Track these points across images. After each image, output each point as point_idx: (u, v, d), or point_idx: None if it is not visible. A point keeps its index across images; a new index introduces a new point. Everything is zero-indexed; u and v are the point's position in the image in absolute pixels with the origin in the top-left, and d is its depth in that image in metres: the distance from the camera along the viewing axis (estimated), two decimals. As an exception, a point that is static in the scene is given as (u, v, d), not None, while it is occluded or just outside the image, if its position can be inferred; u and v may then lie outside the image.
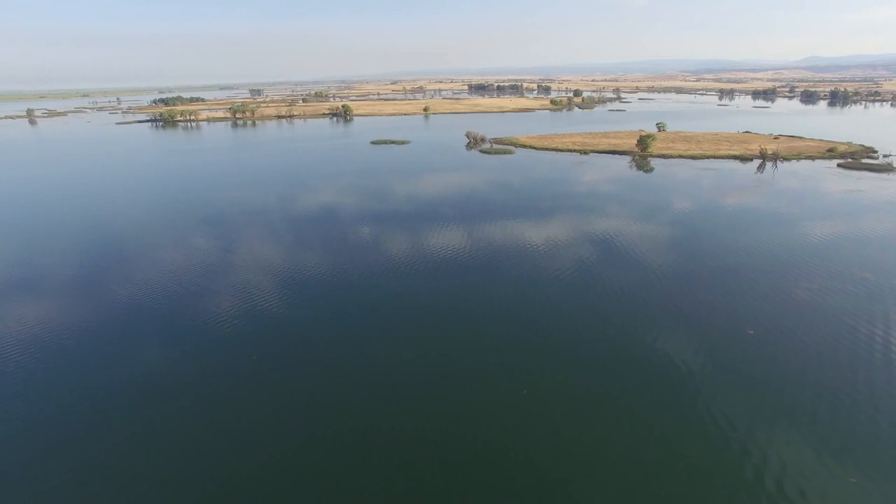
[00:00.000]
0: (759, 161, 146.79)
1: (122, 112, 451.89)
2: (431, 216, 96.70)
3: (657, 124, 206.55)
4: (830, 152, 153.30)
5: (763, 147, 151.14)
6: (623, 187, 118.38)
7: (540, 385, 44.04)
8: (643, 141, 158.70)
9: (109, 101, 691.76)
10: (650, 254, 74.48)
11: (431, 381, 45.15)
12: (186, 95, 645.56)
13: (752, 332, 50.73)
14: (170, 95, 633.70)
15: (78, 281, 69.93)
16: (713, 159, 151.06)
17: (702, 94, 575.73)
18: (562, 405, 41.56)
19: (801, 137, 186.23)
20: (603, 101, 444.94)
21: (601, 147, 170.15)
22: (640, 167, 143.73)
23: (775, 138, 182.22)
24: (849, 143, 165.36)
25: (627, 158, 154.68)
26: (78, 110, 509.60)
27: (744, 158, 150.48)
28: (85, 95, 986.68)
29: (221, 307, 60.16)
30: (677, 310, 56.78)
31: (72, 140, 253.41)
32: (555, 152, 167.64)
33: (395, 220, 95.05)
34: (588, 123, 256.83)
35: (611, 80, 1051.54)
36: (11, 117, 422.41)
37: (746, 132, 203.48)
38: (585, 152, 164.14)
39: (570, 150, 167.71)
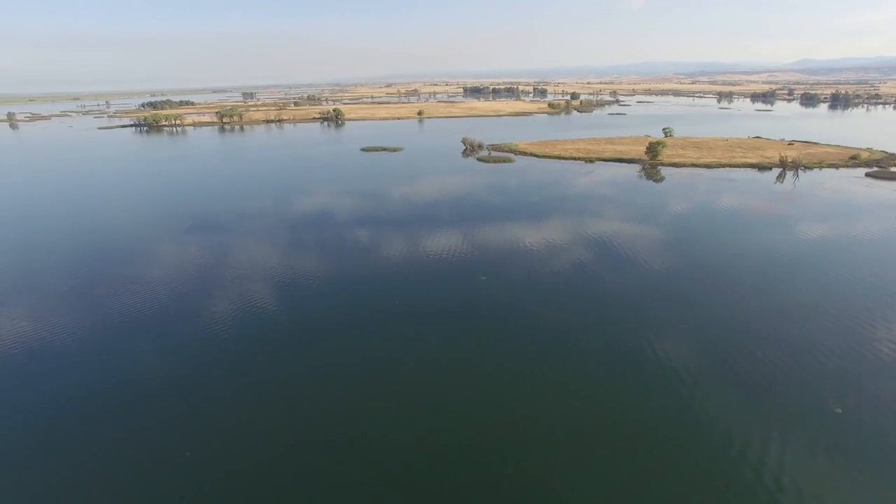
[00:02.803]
0: (779, 170, 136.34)
1: (108, 116, 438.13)
2: (426, 239, 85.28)
3: (664, 129, 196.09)
4: (853, 160, 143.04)
5: (783, 155, 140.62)
6: (640, 202, 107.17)
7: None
8: (653, 148, 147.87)
9: (98, 105, 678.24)
10: (690, 290, 63.32)
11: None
12: (176, 99, 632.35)
13: (839, 410, 39.65)
14: (159, 99, 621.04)
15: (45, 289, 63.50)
16: (728, 168, 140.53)
17: (700, 97, 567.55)
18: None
19: (816, 143, 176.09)
20: (601, 104, 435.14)
21: (607, 154, 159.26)
22: (651, 177, 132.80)
23: (790, 144, 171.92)
24: (870, 150, 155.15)
25: (636, 167, 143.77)
26: (63, 114, 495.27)
27: (762, 167, 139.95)
28: (75, 99, 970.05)
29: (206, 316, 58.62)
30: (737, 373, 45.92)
31: (42, 146, 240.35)
32: (557, 160, 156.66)
33: (383, 246, 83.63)
34: (589, 128, 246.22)
35: (606, 83, 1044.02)
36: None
37: (757, 137, 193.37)
38: (591, 160, 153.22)
39: (574, 158, 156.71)
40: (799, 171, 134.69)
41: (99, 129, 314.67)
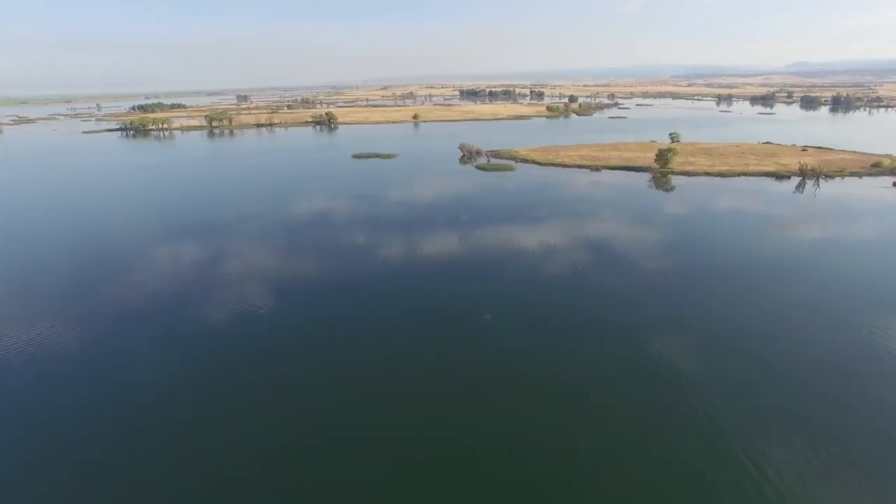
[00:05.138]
0: (797, 178, 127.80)
1: (96, 120, 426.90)
2: (418, 268, 76.07)
3: (671, 135, 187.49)
4: (876, 167, 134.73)
5: (802, 163, 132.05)
6: (656, 216, 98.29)
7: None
8: (663, 156, 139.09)
9: (89, 108, 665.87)
10: (734, 326, 54.30)
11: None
12: (168, 102, 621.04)
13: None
14: (150, 102, 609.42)
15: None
16: (743, 177, 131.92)
17: (698, 100, 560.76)
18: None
19: (830, 149, 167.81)
20: (601, 107, 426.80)
21: (613, 162, 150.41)
22: (663, 187, 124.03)
23: (803, 150, 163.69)
24: (891, 157, 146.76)
25: (646, 176, 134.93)
26: (51, 117, 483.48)
27: (779, 175, 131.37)
28: (67, 101, 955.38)
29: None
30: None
31: (12, 151, 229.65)
32: (561, 168, 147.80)
33: (369, 277, 74.34)
34: (591, 133, 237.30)
35: (603, 85, 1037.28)
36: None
37: (768, 143, 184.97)
38: (597, 168, 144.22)
39: (579, 166, 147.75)
40: (819, 179, 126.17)
41: (83, 134, 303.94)
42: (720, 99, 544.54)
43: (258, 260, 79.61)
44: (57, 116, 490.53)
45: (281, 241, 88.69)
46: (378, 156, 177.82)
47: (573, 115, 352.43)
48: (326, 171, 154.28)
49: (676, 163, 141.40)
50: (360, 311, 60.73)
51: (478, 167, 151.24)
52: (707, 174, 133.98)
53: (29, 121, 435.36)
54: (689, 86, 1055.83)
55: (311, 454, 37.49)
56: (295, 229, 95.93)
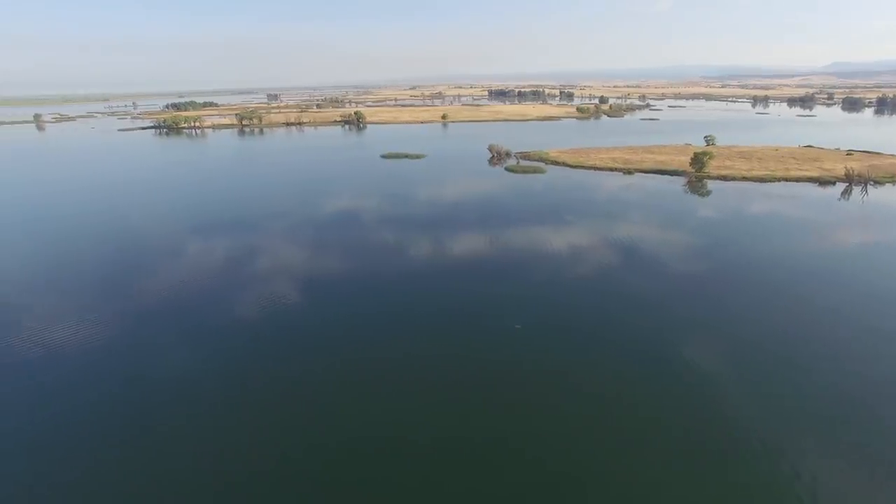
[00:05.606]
0: (844, 184, 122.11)
1: (131, 118, 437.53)
2: (445, 268, 74.39)
3: (706, 137, 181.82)
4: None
5: (849, 167, 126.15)
6: (693, 222, 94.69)
7: (571, 392, 43.83)
8: (699, 159, 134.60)
9: (125, 106, 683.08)
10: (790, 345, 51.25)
11: (461, 385, 44.85)
12: (200, 100, 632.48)
13: None
14: (182, 100, 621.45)
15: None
16: (784, 182, 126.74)
17: (732, 101, 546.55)
18: (589, 416, 40.69)
19: (879, 153, 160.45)
20: (632, 108, 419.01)
21: (647, 165, 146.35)
22: (699, 192, 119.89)
23: (848, 154, 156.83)
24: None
25: (681, 180, 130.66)
26: (89, 115, 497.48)
27: (822, 181, 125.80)
28: (105, 100, 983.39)
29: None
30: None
31: (55, 149, 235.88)
32: (593, 171, 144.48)
33: (397, 265, 72.94)
34: (621, 134, 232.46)
35: (634, 86, 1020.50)
36: (18, 122, 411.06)
37: (809, 146, 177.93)
38: (630, 172, 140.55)
39: (611, 169, 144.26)
40: (868, 185, 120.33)
41: (119, 131, 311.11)
42: (756, 100, 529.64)
43: (286, 257, 79.59)
44: (95, 115, 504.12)
45: (309, 239, 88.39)
46: (406, 156, 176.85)
47: (603, 117, 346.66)
48: (355, 171, 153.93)
49: (713, 167, 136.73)
50: (385, 309, 60.13)
51: (507, 169, 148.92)
52: (745, 179, 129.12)
53: (69, 119, 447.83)
54: (723, 87, 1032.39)
55: (332, 452, 37.30)
56: (323, 227, 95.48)
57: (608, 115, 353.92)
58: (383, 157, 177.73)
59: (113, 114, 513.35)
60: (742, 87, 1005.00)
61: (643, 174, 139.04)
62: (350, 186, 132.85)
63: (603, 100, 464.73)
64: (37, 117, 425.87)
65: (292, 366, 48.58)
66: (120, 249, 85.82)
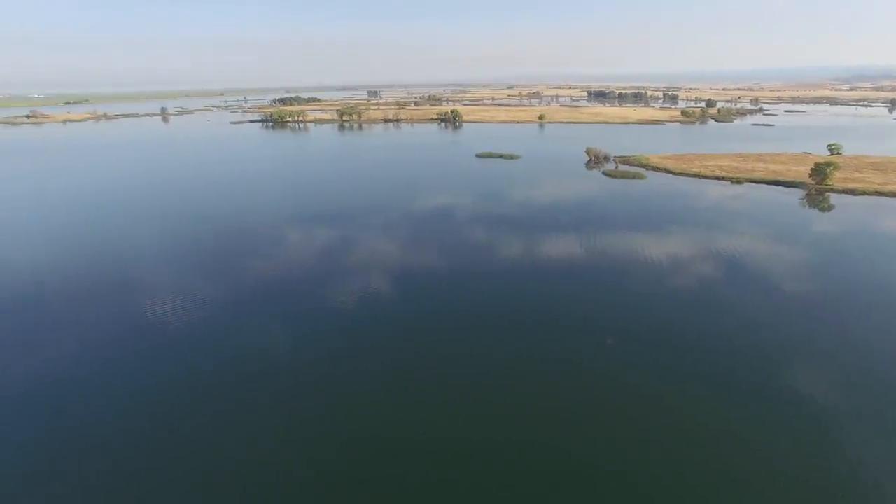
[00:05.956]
0: None
1: (242, 111, 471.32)
2: (534, 269, 73.50)
3: (829, 146, 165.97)
4: None
5: None
6: (810, 238, 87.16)
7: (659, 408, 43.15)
8: (820, 170, 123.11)
9: (237, 101, 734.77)
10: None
11: (549, 390, 45.33)
12: (305, 96, 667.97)
13: None
14: (289, 95, 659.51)
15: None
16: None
17: (864, 106, 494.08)
18: (683, 435, 39.67)
19: None
20: (741, 112, 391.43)
21: (758, 175, 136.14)
22: (819, 206, 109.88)
23: None
24: None
25: (798, 192, 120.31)
26: (206, 109, 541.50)
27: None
28: (220, 95, 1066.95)
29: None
30: None
31: (173, 139, 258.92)
32: (697, 179, 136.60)
33: (482, 264, 73.05)
34: (730, 140, 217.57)
35: (746, 89, 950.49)
36: (150, 115, 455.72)
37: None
38: (738, 181, 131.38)
39: (718, 178, 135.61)
40: None
41: (230, 124, 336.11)
42: (893, 104, 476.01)
43: (377, 250, 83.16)
44: (211, 108, 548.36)
45: (400, 234, 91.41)
46: (501, 156, 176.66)
47: (710, 121, 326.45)
48: (449, 169, 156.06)
49: (837, 179, 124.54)
50: (472, 307, 61.28)
51: (605, 173, 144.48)
52: (879, 193, 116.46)
53: (189, 112, 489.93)
54: (852, 90, 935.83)
55: (427, 445, 38.42)
56: (414, 223, 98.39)
57: (715, 120, 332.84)
58: (478, 156, 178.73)
59: (227, 108, 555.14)
60: (876, 89, 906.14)
61: (753, 184, 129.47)
62: (442, 185, 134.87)
63: (710, 103, 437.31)
64: (163, 111, 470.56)
65: (378, 356, 50.43)
66: (223, 233, 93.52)
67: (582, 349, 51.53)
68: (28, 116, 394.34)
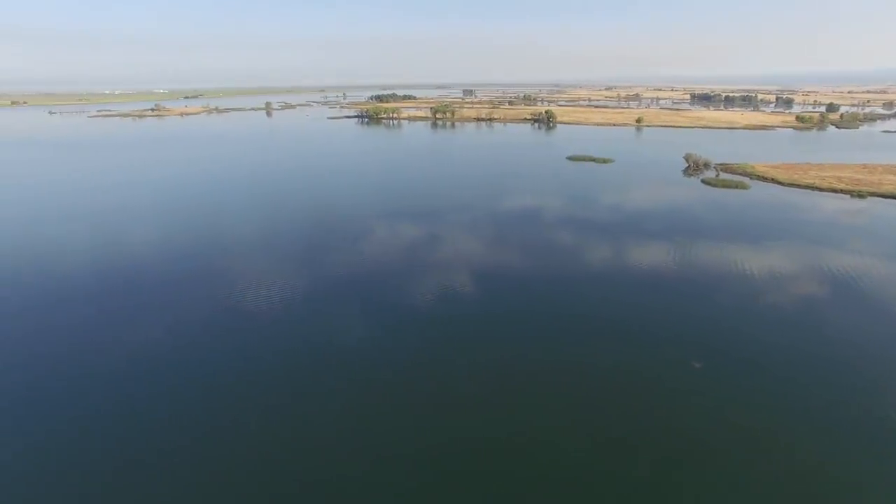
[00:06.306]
0: None
1: (340, 107, 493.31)
2: (620, 278, 71.42)
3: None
4: None
5: None
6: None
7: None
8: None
9: (337, 97, 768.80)
10: None
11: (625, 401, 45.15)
12: (401, 93, 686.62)
13: None
14: (385, 92, 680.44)
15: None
16: None
17: None
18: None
19: None
20: (871, 118, 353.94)
21: (886, 188, 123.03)
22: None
23: None
24: None
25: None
26: (307, 104, 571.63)
27: None
28: (321, 91, 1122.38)
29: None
30: None
31: (274, 132, 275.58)
32: (810, 191, 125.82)
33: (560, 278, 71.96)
34: (854, 150, 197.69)
35: (877, 92, 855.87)
36: (255, 109, 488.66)
37: None
38: (861, 195, 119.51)
39: (835, 190, 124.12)
40: None
41: (328, 119, 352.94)
42: None
43: (462, 248, 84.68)
44: (311, 104, 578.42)
45: (486, 234, 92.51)
46: (593, 159, 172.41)
47: (830, 128, 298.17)
48: (538, 171, 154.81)
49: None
50: (549, 309, 61.68)
51: (704, 181, 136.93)
52: None
53: (291, 107, 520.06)
54: None
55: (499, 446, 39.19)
56: (500, 224, 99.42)
57: (836, 126, 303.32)
58: (569, 158, 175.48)
59: (326, 103, 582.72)
60: None
61: (880, 198, 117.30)
62: (531, 186, 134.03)
63: (831, 107, 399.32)
64: (267, 105, 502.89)
65: (455, 356, 51.47)
66: (314, 224, 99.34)
67: (664, 369, 49.12)
68: (152, 110, 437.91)
